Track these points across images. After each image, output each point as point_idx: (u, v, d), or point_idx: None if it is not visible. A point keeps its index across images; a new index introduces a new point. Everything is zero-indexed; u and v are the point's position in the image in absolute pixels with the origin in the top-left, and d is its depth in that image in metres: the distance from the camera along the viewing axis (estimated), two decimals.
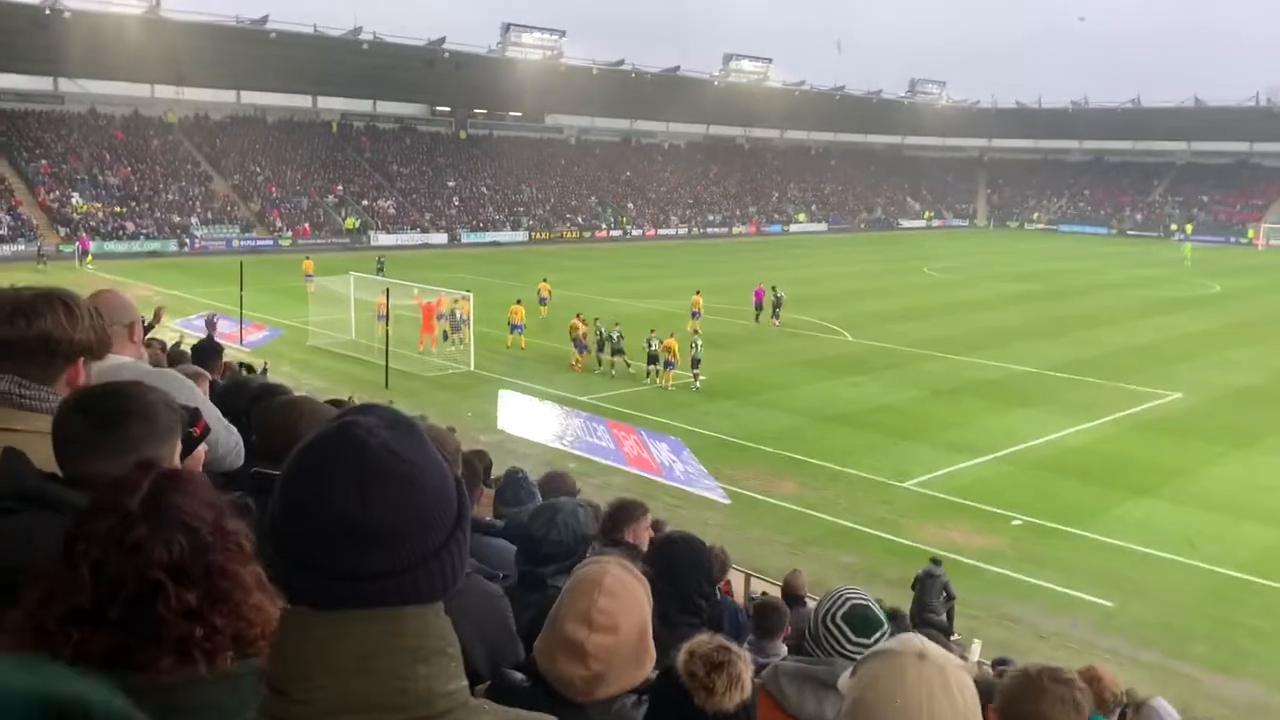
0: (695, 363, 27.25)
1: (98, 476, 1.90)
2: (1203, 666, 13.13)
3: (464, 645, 2.75)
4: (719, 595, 5.79)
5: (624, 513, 4.75)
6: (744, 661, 2.10)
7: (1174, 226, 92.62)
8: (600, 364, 28.86)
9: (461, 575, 1.30)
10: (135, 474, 1.55)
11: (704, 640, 2.13)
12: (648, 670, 2.38)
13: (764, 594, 9.45)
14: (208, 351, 7.71)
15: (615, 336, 28.56)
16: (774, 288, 38.18)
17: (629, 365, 28.33)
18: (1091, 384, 28.77)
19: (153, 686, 1.42)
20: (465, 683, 1.27)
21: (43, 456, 1.98)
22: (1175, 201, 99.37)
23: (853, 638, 2.81)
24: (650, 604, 2.38)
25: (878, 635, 2.83)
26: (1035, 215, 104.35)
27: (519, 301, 32.33)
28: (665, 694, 2.06)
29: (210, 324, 21.69)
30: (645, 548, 4.31)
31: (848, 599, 2.90)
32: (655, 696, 2.11)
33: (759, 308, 37.91)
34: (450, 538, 1.25)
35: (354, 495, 1.18)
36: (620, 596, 2.30)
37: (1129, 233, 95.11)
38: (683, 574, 3.77)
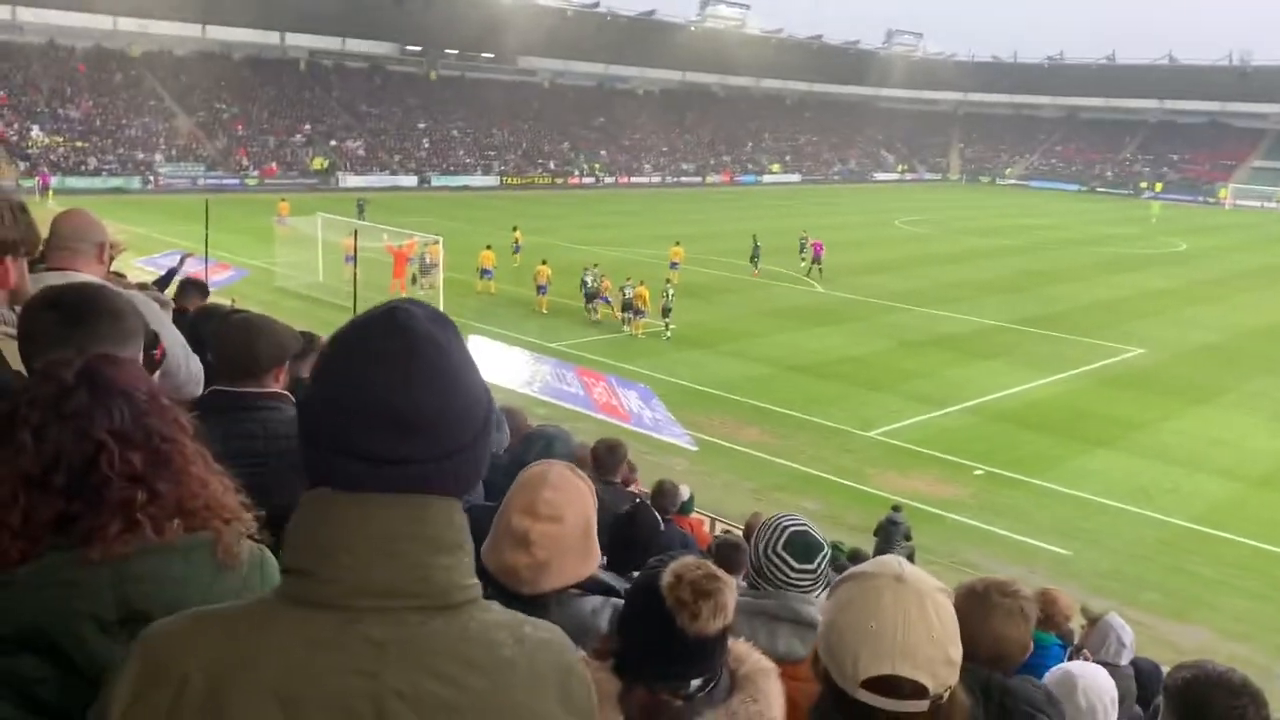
0: (666, 311, 27.25)
1: None
2: (1155, 613, 13.44)
3: None
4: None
5: (615, 455, 5.25)
6: (730, 590, 2.12)
7: (1144, 185, 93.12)
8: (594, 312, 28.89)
9: (482, 477, 1.32)
10: (68, 355, 1.59)
11: (690, 565, 2.14)
12: (592, 566, 2.43)
13: (726, 532, 9.57)
14: (191, 287, 7.60)
15: (588, 280, 28.56)
16: (753, 237, 38.52)
17: (595, 310, 28.63)
18: (1056, 339, 29.09)
19: (105, 558, 1.45)
20: (478, 581, 1.29)
21: None
22: (1146, 160, 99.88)
23: (795, 565, 2.78)
24: (595, 503, 2.43)
25: (819, 559, 2.82)
26: (1008, 171, 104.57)
27: (489, 247, 32.08)
28: (645, 611, 2.08)
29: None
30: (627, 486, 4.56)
31: (785, 526, 2.85)
32: (633, 612, 2.14)
33: (816, 261, 37.85)
34: (478, 436, 1.27)
35: (399, 378, 1.20)
36: (565, 490, 2.36)
37: (1100, 190, 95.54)
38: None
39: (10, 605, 1.41)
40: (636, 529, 4.07)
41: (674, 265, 33.93)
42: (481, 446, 1.28)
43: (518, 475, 2.47)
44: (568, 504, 2.34)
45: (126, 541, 1.46)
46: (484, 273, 31.27)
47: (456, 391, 1.24)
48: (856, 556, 9.77)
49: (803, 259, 38.85)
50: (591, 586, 2.44)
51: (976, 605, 2.77)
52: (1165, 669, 7.21)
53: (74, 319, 2.00)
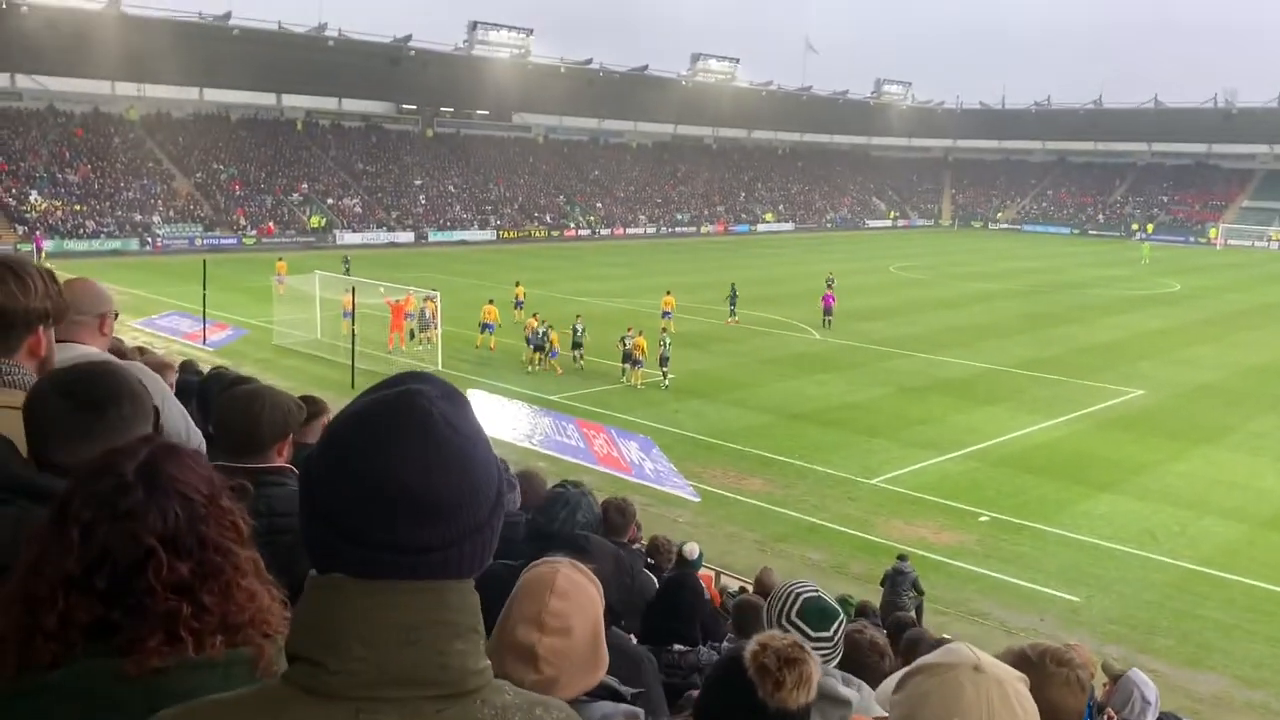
0: (663, 361, 27.25)
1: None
2: (1168, 661, 13.25)
3: None
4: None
5: (625, 515, 5.19)
6: (815, 664, 2.05)
7: (1135, 226, 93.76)
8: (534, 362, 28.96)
9: (494, 551, 1.28)
10: (133, 443, 1.51)
11: (777, 635, 2.08)
12: (600, 676, 2.28)
13: (742, 589, 9.44)
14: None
15: (541, 333, 28.77)
16: (732, 285, 38.57)
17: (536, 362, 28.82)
18: (1056, 381, 29.04)
19: (142, 672, 1.39)
20: (490, 663, 1.26)
21: (12, 431, 1.92)
22: (1136, 201, 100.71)
23: (812, 634, 2.74)
24: (603, 604, 2.29)
25: (835, 626, 2.77)
26: (999, 215, 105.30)
27: (491, 301, 32.16)
28: (728, 683, 2.02)
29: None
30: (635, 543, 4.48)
31: (797, 594, 2.82)
32: (715, 684, 2.07)
33: (827, 312, 37.41)
34: (492, 512, 1.24)
35: (417, 467, 1.16)
36: (573, 597, 2.21)
37: (1091, 232, 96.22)
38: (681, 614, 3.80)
39: (39, 713, 1.35)
40: (683, 594, 3.94)
41: (666, 314, 33.97)
42: (496, 521, 1.25)
43: (521, 575, 2.33)
44: (577, 612, 2.19)
45: (164, 656, 1.40)
46: (485, 327, 31.30)
47: (473, 472, 1.20)
48: (865, 611, 9.63)
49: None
50: (598, 693, 2.30)
51: (1031, 675, 2.68)
52: None
53: (90, 405, 1.90)
